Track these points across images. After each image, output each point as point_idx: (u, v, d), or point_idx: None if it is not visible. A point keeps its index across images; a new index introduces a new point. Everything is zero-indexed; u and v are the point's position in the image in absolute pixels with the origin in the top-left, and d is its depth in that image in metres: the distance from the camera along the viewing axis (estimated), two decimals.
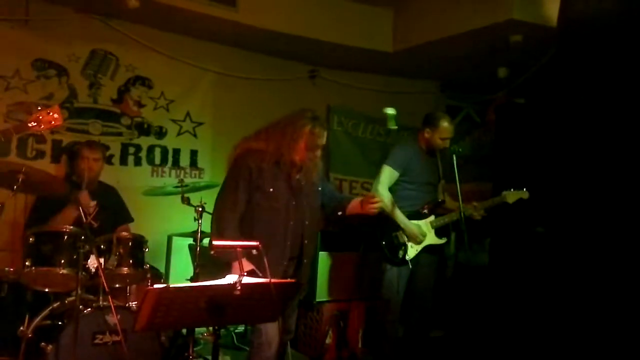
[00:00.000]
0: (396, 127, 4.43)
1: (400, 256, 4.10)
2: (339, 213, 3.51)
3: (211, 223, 3.25)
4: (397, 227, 4.11)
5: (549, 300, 4.60)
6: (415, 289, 4.20)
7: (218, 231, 3.16)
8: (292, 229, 3.25)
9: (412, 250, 4.13)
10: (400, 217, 4.09)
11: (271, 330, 3.14)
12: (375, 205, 3.33)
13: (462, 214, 3.79)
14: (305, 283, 3.43)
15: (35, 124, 3.10)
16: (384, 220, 4.12)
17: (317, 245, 4.44)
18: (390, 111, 4.35)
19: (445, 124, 4.18)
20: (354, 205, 3.44)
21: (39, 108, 3.14)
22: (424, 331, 4.38)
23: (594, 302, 4.24)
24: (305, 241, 3.31)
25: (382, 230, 4.16)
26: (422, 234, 4.12)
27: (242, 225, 3.21)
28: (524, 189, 4.26)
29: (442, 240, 4.23)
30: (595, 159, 4.52)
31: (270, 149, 3.22)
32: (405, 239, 4.11)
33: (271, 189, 3.22)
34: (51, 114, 3.12)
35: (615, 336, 4.00)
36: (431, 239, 4.19)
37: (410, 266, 4.12)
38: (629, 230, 4.15)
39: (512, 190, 4.25)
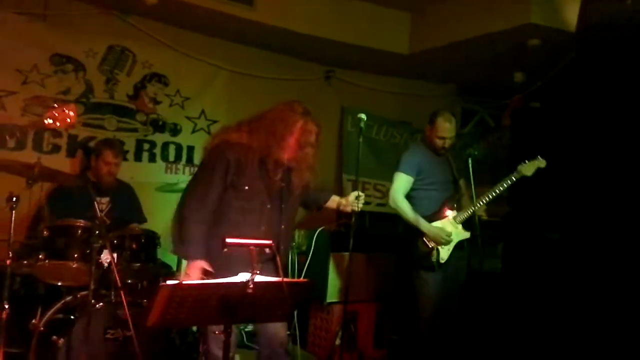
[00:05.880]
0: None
1: (434, 259, 3.94)
2: (317, 209, 3.44)
3: (174, 217, 2.96)
4: (421, 233, 3.96)
5: (562, 307, 4.56)
6: (445, 287, 4.01)
7: (180, 228, 2.89)
8: (263, 234, 2.87)
9: (445, 252, 3.96)
10: (421, 222, 3.95)
11: (215, 342, 2.88)
12: (356, 207, 3.26)
13: (477, 218, 3.73)
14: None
15: (52, 120, 3.10)
16: (408, 228, 4.00)
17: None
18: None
19: (443, 122, 3.98)
20: (330, 204, 3.37)
21: (56, 105, 3.14)
22: (448, 335, 4.18)
23: (608, 309, 4.20)
24: (281, 247, 2.99)
25: (410, 238, 4.01)
26: (447, 234, 3.95)
27: (210, 224, 2.94)
28: (538, 157, 3.97)
29: (469, 234, 4.04)
30: (612, 165, 4.48)
31: (256, 145, 2.94)
32: (434, 243, 3.96)
33: (246, 187, 2.92)
34: (67, 111, 3.12)
35: (630, 342, 3.96)
36: (460, 234, 4.02)
37: (448, 268, 3.99)
38: None
39: (526, 162, 3.96)
